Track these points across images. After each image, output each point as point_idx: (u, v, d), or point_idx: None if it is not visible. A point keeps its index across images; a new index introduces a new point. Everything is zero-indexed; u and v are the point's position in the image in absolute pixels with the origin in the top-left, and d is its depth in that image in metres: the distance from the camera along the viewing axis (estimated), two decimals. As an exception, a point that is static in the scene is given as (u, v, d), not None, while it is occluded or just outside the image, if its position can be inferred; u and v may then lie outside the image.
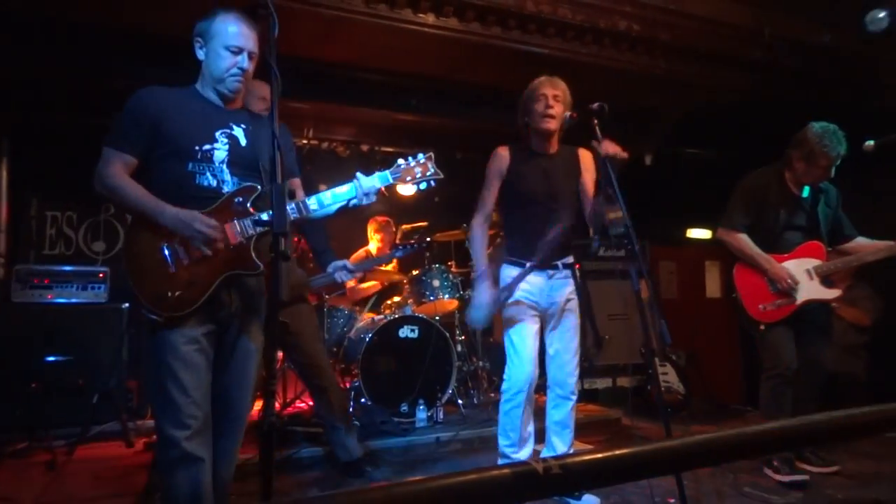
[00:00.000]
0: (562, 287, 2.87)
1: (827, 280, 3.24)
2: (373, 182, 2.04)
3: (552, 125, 2.78)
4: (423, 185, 2.14)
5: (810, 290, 3.19)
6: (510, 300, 2.81)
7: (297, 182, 2.23)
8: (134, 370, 4.22)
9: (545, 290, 2.84)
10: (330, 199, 2.03)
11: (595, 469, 0.76)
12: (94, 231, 5.17)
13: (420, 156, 2.12)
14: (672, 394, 4.85)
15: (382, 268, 4.72)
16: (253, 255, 1.95)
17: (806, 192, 3.31)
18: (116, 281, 4.38)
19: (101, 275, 4.38)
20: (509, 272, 2.85)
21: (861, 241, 3.34)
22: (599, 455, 0.76)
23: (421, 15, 3.67)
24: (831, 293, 3.23)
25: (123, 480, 3.18)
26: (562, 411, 2.87)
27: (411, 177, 2.10)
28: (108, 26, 3.79)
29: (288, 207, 1.86)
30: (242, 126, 2.07)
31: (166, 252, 1.89)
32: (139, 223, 1.92)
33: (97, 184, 1.94)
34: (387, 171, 2.08)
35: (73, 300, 4.26)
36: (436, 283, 4.51)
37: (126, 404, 4.12)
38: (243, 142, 2.05)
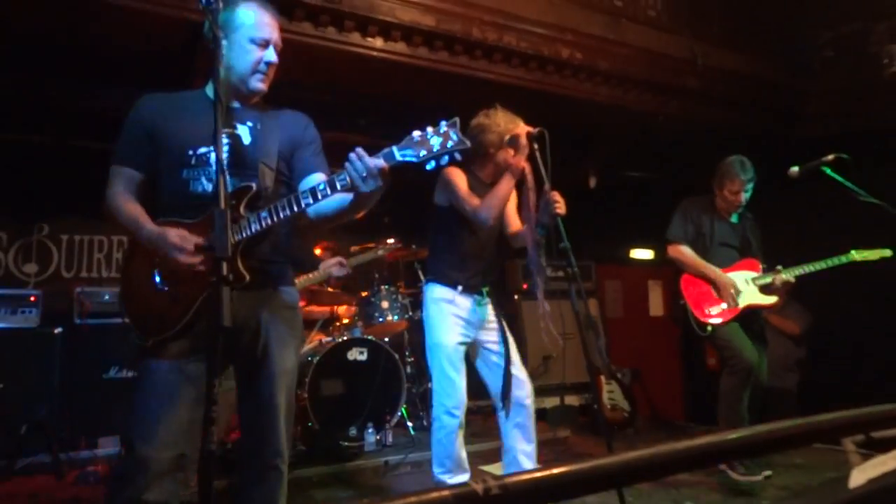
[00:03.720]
0: (487, 310, 2.96)
1: (764, 289, 3.55)
2: (371, 163, 1.63)
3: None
4: (444, 160, 1.67)
5: (750, 296, 3.50)
6: (442, 324, 2.83)
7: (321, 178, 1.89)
8: (68, 399, 4.02)
9: (475, 313, 2.90)
10: (322, 186, 1.71)
11: (535, 488, 0.77)
12: (26, 252, 4.92)
13: (442, 124, 1.66)
14: (617, 411, 4.94)
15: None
16: (240, 265, 1.72)
17: (735, 218, 3.72)
18: (49, 305, 4.17)
19: (32, 298, 4.14)
20: (441, 292, 2.89)
21: None
22: (538, 474, 0.77)
23: (369, 39, 3.71)
24: (770, 299, 3.56)
25: (53, 516, 3.01)
26: None
27: (426, 151, 1.64)
28: (45, 38, 3.65)
29: (279, 205, 1.72)
30: (249, 124, 1.91)
31: (156, 273, 1.76)
32: (134, 243, 1.82)
33: (104, 206, 1.83)
34: (393, 147, 1.67)
35: (2, 325, 4.02)
36: (385, 304, 4.48)
37: (58, 434, 3.90)
38: (247, 140, 1.88)
